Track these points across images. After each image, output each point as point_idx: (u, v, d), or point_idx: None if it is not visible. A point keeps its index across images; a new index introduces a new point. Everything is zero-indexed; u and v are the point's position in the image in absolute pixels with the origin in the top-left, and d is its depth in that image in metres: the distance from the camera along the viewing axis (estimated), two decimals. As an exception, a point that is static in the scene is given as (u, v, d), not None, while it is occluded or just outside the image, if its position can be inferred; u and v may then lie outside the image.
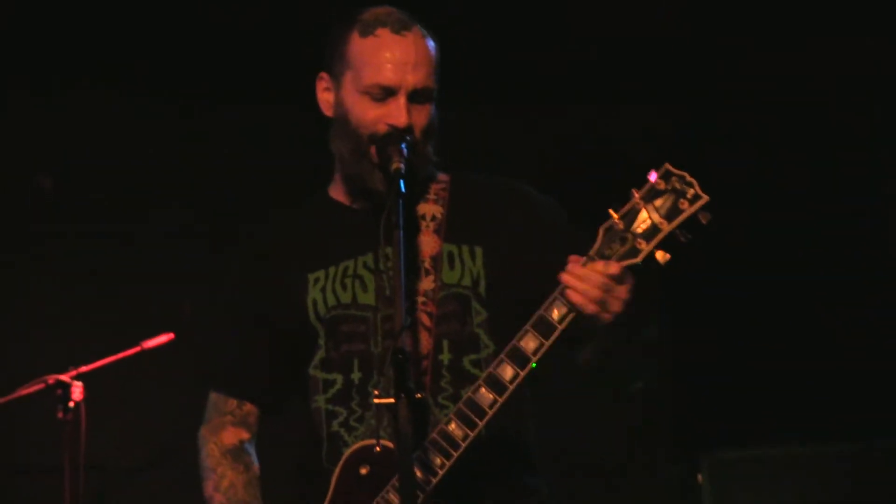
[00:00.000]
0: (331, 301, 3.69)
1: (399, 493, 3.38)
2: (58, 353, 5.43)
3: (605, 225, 3.36)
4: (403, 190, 3.45)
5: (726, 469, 6.23)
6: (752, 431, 6.47)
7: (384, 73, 3.59)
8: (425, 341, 3.68)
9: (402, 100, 3.60)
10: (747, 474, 6.19)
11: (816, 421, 6.46)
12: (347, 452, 3.62)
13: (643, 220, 3.38)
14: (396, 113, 3.58)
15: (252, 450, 3.86)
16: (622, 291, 3.37)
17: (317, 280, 3.72)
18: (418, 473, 3.49)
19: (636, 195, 3.35)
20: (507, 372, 3.45)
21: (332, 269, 3.71)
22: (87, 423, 5.14)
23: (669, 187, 3.38)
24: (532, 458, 3.79)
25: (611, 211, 3.37)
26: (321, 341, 3.69)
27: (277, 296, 3.76)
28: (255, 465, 3.85)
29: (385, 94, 3.60)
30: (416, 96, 3.60)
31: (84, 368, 5.17)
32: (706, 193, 3.35)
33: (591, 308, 3.36)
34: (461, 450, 3.47)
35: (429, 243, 3.75)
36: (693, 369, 6.70)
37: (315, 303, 3.70)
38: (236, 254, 3.98)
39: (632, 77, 7.15)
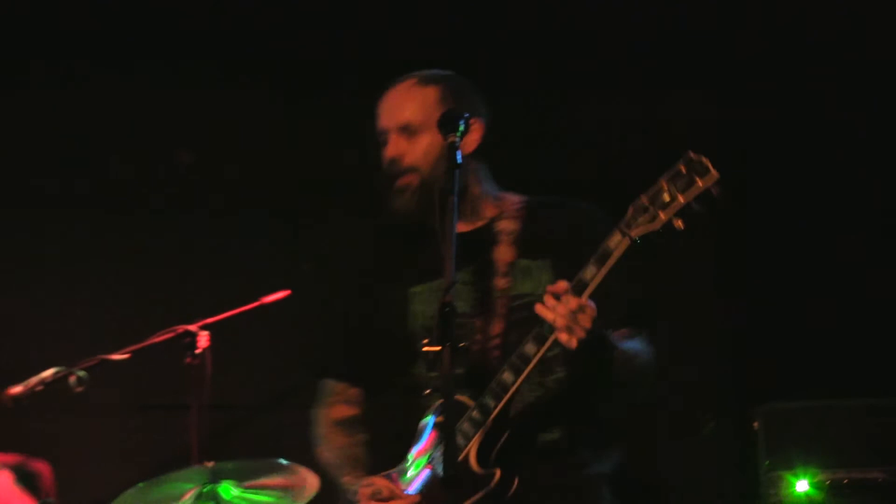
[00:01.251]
0: (430, 312, 3.97)
1: (442, 427, 3.60)
2: (187, 305, 5.49)
3: (634, 203, 3.61)
4: (459, 161, 3.66)
5: (781, 419, 6.16)
6: (807, 384, 6.42)
7: (379, 123, 4.04)
8: (498, 326, 3.95)
9: (392, 136, 4.03)
10: (800, 424, 6.12)
11: (870, 374, 6.42)
12: (430, 409, 3.99)
13: (664, 197, 3.59)
14: (390, 148, 4.04)
15: (361, 423, 4.24)
16: (585, 320, 3.60)
17: (418, 294, 4.05)
18: (476, 414, 3.82)
19: (663, 180, 3.59)
20: (531, 348, 3.76)
21: (430, 284, 4.00)
22: (211, 367, 5.10)
23: (690, 170, 3.57)
24: (594, 409, 4.03)
25: (642, 196, 3.63)
26: (419, 345, 4.03)
27: (383, 307, 4.11)
28: (363, 434, 4.21)
29: (381, 137, 4.04)
30: (403, 131, 4.01)
31: (209, 320, 5.09)
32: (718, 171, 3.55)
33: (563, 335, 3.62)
34: (509, 393, 3.75)
35: (506, 252, 4.01)
36: (750, 323, 6.70)
37: (416, 313, 4.04)
38: (345, 266, 4.42)
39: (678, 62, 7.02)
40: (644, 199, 3.61)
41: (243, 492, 4.80)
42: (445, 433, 3.44)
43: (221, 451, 4.88)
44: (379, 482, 4.01)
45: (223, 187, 6.85)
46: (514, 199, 4.09)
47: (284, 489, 4.68)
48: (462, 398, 3.83)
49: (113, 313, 6.44)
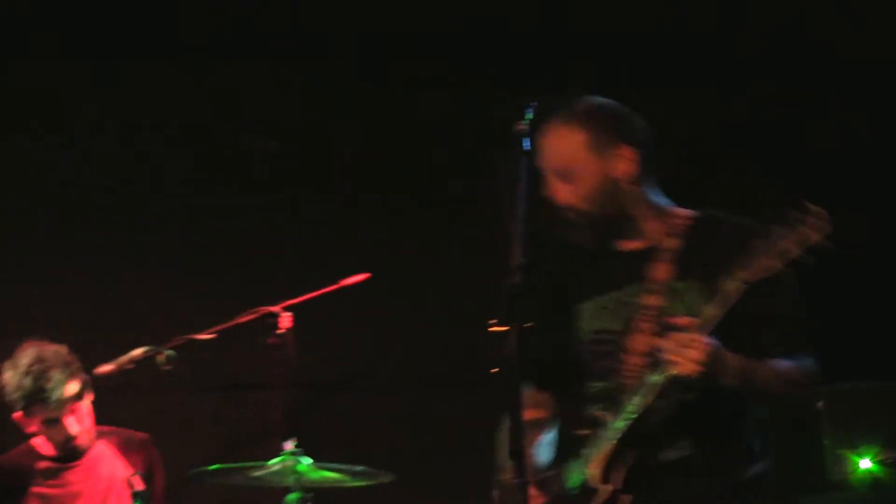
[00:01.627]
0: (593, 327, 3.97)
1: (511, 422, 3.45)
2: (269, 288, 5.44)
3: (749, 248, 3.64)
4: (528, 147, 3.65)
5: (845, 399, 6.16)
6: (870, 366, 6.34)
7: (541, 162, 3.94)
8: (643, 344, 3.84)
9: (553, 179, 3.94)
10: (863, 405, 6.17)
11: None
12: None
13: (781, 245, 3.61)
14: (556, 190, 3.94)
15: (538, 426, 4.11)
16: (695, 355, 3.61)
17: (584, 310, 4.01)
18: (605, 431, 3.79)
19: (777, 226, 3.62)
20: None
21: (593, 302, 3.99)
22: (293, 347, 5.12)
23: (803, 219, 3.59)
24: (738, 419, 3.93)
25: (754, 239, 3.65)
26: (587, 358, 3.99)
27: (561, 321, 4.05)
28: (535, 436, 4.08)
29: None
30: (559, 175, 3.93)
31: (292, 301, 5.16)
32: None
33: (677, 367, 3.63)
34: (636, 416, 3.74)
35: (663, 271, 3.89)
36: (816, 305, 6.58)
37: (580, 330, 4.00)
38: (540, 282, 4.13)
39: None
40: (759, 244, 3.65)
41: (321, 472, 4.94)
42: (511, 420, 3.44)
43: (303, 428, 4.97)
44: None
45: (307, 172, 6.84)
46: (683, 215, 4.01)
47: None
48: (598, 413, 3.86)
49: (200, 295, 6.48)
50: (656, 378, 3.71)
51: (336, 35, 6.85)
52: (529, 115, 3.70)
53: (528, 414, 3.94)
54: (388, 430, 4.31)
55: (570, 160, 3.89)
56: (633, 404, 3.75)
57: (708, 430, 3.84)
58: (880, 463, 6.05)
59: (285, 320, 5.12)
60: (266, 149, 6.83)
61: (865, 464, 6.06)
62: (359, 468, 4.88)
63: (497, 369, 3.59)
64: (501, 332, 3.52)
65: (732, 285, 3.63)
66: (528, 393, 4.04)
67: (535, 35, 6.85)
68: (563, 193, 3.91)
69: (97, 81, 6.78)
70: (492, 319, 3.68)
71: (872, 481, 6.06)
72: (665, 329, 3.79)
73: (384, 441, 4.54)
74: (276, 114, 6.85)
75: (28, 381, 5.42)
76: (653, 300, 3.88)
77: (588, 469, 3.83)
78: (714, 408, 3.82)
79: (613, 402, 3.85)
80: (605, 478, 3.80)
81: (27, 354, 5.49)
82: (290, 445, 4.89)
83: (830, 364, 6.32)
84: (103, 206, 6.73)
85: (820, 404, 6.13)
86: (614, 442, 3.78)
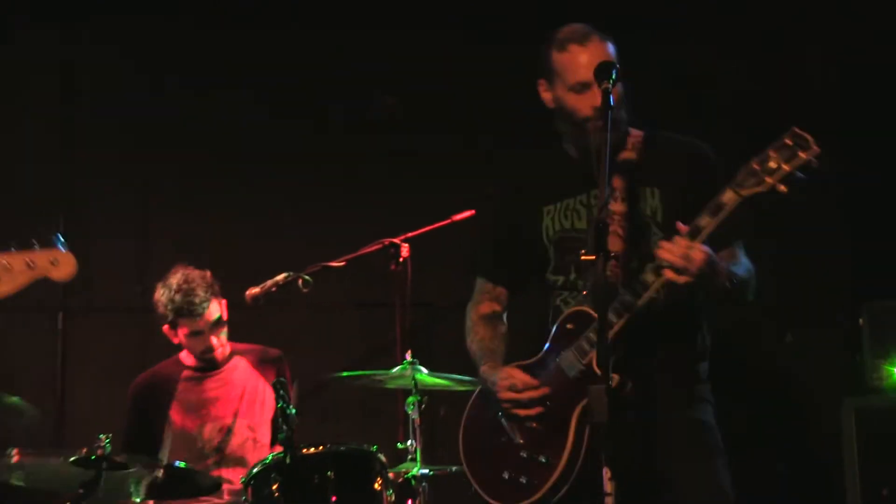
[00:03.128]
0: (557, 227, 3.95)
1: (598, 326, 3.54)
2: (392, 222, 5.55)
3: (745, 166, 3.58)
4: (612, 103, 3.65)
5: (883, 316, 6.05)
6: None
7: (580, 74, 3.81)
8: (618, 245, 3.83)
9: (595, 89, 3.77)
10: None
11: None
12: (562, 316, 3.87)
13: (771, 164, 3.55)
14: (594, 99, 3.77)
15: (502, 318, 4.15)
16: (697, 259, 3.59)
17: (548, 212, 3.97)
18: (615, 311, 3.71)
19: (771, 149, 3.56)
20: (650, 277, 3.66)
21: (558, 205, 3.95)
22: (411, 273, 5.27)
23: (795, 143, 3.54)
24: (698, 328, 3.95)
25: (753, 161, 3.58)
26: (551, 255, 3.96)
27: (523, 219, 4.02)
28: (503, 327, 4.13)
29: (583, 87, 3.81)
30: (601, 84, 3.74)
31: (410, 234, 5.32)
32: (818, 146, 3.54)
33: (670, 274, 3.61)
34: (632, 312, 3.68)
35: (623, 180, 3.90)
36: (860, 229, 6.50)
37: (546, 228, 3.97)
38: (500, 185, 4.21)
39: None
40: (754, 164, 3.59)
41: (434, 378, 5.11)
42: (599, 333, 3.50)
43: (420, 341, 5.22)
44: (516, 374, 3.88)
45: (426, 120, 6.77)
46: (636, 133, 3.98)
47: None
48: (587, 309, 3.81)
49: (333, 228, 6.50)
50: (653, 280, 3.69)
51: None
52: (613, 77, 3.70)
53: (487, 307, 4.13)
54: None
55: (610, 63, 3.81)
56: (630, 303, 3.71)
57: (677, 331, 3.88)
58: (912, 371, 5.94)
59: (405, 250, 5.28)
60: (386, 105, 6.79)
61: None
62: (466, 378, 4.91)
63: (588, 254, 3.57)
64: (590, 259, 3.51)
65: (729, 199, 3.61)
66: (487, 286, 4.16)
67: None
68: (601, 99, 3.76)
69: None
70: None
71: None
72: (633, 227, 3.86)
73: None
74: (401, 60, 6.77)
75: (178, 297, 5.54)
76: (617, 206, 3.87)
77: (587, 359, 3.77)
78: (682, 312, 3.86)
79: (577, 293, 3.89)
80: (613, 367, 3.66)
81: (177, 276, 5.61)
82: (408, 356, 5.06)
83: (869, 284, 6.32)
84: (253, 156, 6.78)
85: (861, 320, 6.09)
86: (610, 338, 3.66)
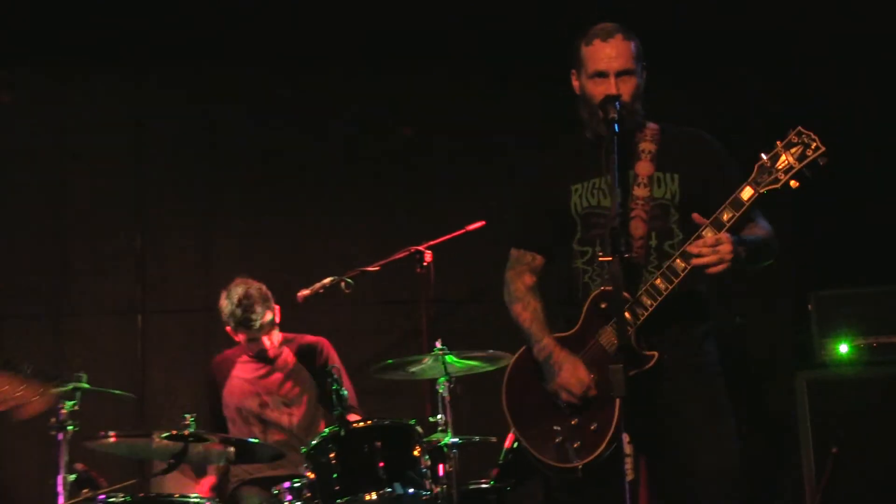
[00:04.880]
0: (584, 204, 3.87)
1: (615, 319, 3.54)
2: (417, 232, 5.53)
3: (758, 163, 3.58)
4: (617, 130, 3.64)
5: (829, 302, 6.07)
6: (852, 273, 6.27)
7: (599, 65, 3.78)
8: (641, 230, 3.79)
9: (612, 79, 3.76)
10: (843, 305, 6.03)
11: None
12: (594, 293, 3.78)
13: (783, 161, 3.55)
14: (608, 88, 3.75)
15: (539, 290, 3.99)
16: (725, 250, 3.56)
17: (576, 189, 3.89)
18: (632, 311, 3.66)
19: (779, 145, 3.57)
20: (679, 263, 3.65)
21: (585, 183, 3.88)
22: (434, 275, 5.28)
23: (801, 141, 3.55)
24: (707, 308, 3.89)
25: (762, 154, 3.58)
26: (578, 227, 3.87)
27: (554, 195, 3.91)
28: (542, 300, 3.98)
29: (600, 76, 3.77)
30: (620, 75, 3.76)
31: (432, 242, 5.33)
32: (825, 146, 3.55)
33: (706, 264, 3.57)
34: (663, 297, 3.66)
35: (645, 168, 3.84)
36: (807, 220, 6.39)
37: (575, 204, 3.88)
38: (537, 166, 4.08)
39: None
40: (766, 161, 3.57)
41: (460, 359, 5.07)
42: (617, 323, 3.48)
43: (442, 333, 5.08)
44: (580, 372, 3.73)
45: (444, 146, 6.76)
46: (652, 126, 3.90)
47: (488, 359, 4.99)
48: (583, 269, 3.77)
49: (368, 239, 6.48)
50: (684, 268, 3.63)
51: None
52: (617, 107, 3.68)
53: (530, 278, 3.96)
54: (506, 331, 4.32)
55: (631, 62, 3.78)
56: (661, 288, 3.65)
57: (693, 311, 3.84)
58: (854, 348, 5.97)
59: (428, 256, 5.31)
60: (405, 134, 6.77)
61: (843, 348, 6.01)
62: (489, 351, 4.93)
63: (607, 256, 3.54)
64: (606, 260, 3.52)
65: (748, 195, 3.59)
66: (527, 257, 3.98)
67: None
68: (624, 88, 3.76)
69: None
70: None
71: (847, 360, 5.99)
72: (656, 209, 3.79)
73: (502, 339, 4.57)
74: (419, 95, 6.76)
75: (238, 311, 5.57)
76: (640, 191, 3.81)
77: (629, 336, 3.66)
78: (696, 294, 3.83)
79: (598, 264, 3.81)
80: (648, 344, 3.70)
81: (238, 290, 5.62)
82: (438, 343, 5.02)
83: (818, 274, 6.29)
84: (301, 179, 6.76)
85: (810, 306, 6.09)
86: (646, 315, 3.67)
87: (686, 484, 3.75)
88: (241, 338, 5.69)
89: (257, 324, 5.57)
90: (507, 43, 6.64)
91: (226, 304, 5.64)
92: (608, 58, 3.78)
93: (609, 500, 3.50)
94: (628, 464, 3.34)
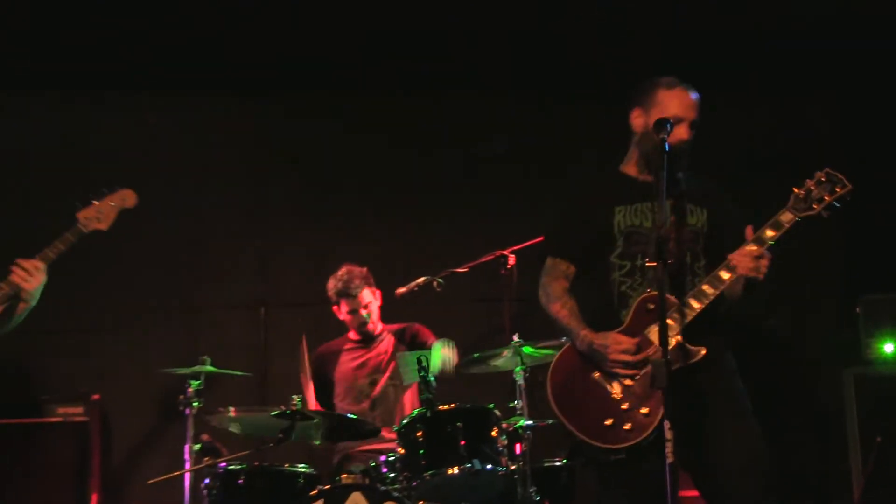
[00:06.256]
0: (627, 223, 3.91)
1: (658, 323, 3.53)
2: (501, 237, 5.47)
3: (794, 193, 3.71)
4: (667, 149, 3.69)
5: (876, 305, 6.08)
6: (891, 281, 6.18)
7: (679, 110, 3.83)
8: (678, 251, 3.87)
9: (685, 125, 3.84)
10: (886, 309, 6.04)
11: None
12: (643, 295, 3.80)
13: (816, 193, 3.71)
14: (684, 132, 3.83)
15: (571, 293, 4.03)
16: (763, 264, 3.69)
17: (619, 210, 3.93)
18: (681, 312, 3.72)
19: (810, 182, 3.71)
20: (725, 274, 3.74)
21: (629, 206, 3.93)
22: (516, 276, 5.26)
23: (830, 179, 3.72)
24: (726, 322, 3.90)
25: (794, 189, 3.72)
26: (619, 243, 3.91)
27: (597, 214, 3.95)
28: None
29: (677, 121, 3.82)
30: (692, 124, 3.86)
31: (515, 247, 5.32)
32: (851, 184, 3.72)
33: (745, 271, 3.68)
34: (710, 300, 3.72)
35: (678, 197, 3.92)
36: (858, 225, 6.35)
37: (618, 223, 3.92)
38: (580, 189, 4.12)
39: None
40: (800, 193, 3.71)
41: (536, 349, 5.09)
42: (660, 321, 3.48)
43: (522, 328, 5.07)
44: (624, 341, 3.75)
45: (528, 158, 6.72)
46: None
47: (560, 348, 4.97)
48: (668, 295, 3.69)
49: (458, 243, 6.39)
50: (727, 276, 3.71)
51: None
52: (669, 130, 3.73)
53: (564, 283, 3.98)
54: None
55: (698, 113, 3.86)
56: (708, 293, 3.71)
57: (723, 315, 3.86)
58: (897, 347, 6.08)
59: (511, 259, 5.33)
60: (496, 146, 6.77)
61: (888, 348, 6.01)
62: (562, 339, 4.53)
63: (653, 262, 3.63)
64: (652, 266, 3.62)
65: (788, 219, 3.70)
66: (562, 265, 3.99)
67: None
68: (688, 135, 3.81)
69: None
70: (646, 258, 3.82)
71: (892, 358, 5.98)
72: (690, 233, 3.86)
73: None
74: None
75: (339, 283, 5.75)
76: (673, 217, 3.87)
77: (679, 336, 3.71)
78: (725, 301, 3.85)
79: (638, 276, 3.84)
80: (693, 343, 3.73)
81: (343, 270, 5.80)
82: (515, 337, 5.04)
83: (864, 278, 6.21)
84: (403, 191, 6.82)
85: (858, 309, 6.08)
86: (694, 315, 3.71)
87: (715, 473, 3.76)
88: (343, 311, 5.78)
89: (355, 291, 5.70)
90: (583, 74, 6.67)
91: (332, 282, 5.80)
92: (688, 106, 3.84)
93: (650, 481, 3.55)
94: (669, 448, 3.36)
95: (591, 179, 4.14)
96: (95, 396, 5.96)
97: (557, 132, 6.78)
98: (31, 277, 4.07)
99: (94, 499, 5.81)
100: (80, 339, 6.41)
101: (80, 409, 5.87)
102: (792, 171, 3.83)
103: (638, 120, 3.94)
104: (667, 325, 3.50)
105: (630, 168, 4.02)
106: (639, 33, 6.24)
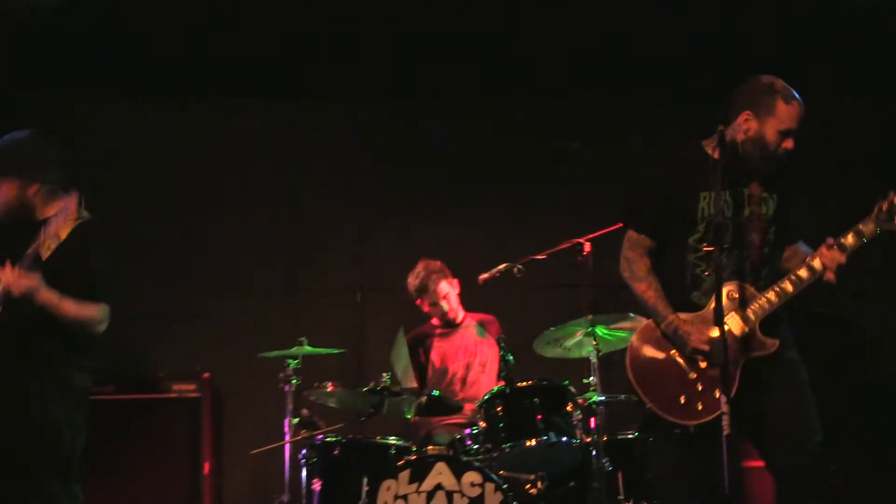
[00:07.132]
0: (710, 210, 3.82)
1: (715, 309, 3.51)
2: (579, 226, 5.37)
3: (878, 205, 3.68)
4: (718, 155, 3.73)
5: None
6: None
7: (792, 124, 3.77)
8: (758, 240, 3.82)
9: (793, 137, 3.79)
10: None
11: None
12: (721, 286, 3.66)
13: (890, 211, 3.68)
14: (791, 143, 3.78)
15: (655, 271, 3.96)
16: (836, 274, 3.70)
17: (704, 196, 3.84)
18: (762, 302, 3.72)
19: (893, 196, 3.67)
20: (805, 274, 3.75)
21: (711, 193, 3.81)
22: (592, 262, 5.18)
23: None
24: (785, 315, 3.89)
25: (880, 200, 3.69)
26: (700, 227, 3.83)
27: (682, 195, 3.85)
28: None
29: (789, 133, 3.77)
30: (795, 135, 3.79)
31: (591, 235, 5.24)
32: None
33: (831, 276, 3.70)
34: (788, 297, 3.73)
35: (756, 188, 3.85)
36: None
37: (702, 209, 3.84)
38: (666, 167, 3.93)
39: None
40: (884, 206, 3.68)
41: (609, 331, 5.10)
42: (716, 310, 3.48)
43: (598, 309, 5.06)
44: (706, 334, 3.72)
45: (603, 155, 6.72)
46: None
47: (631, 329, 4.82)
48: (748, 286, 3.73)
49: (538, 232, 6.15)
50: (806, 275, 3.72)
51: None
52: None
53: (648, 261, 3.89)
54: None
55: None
56: (787, 290, 3.72)
57: (784, 314, 3.86)
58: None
59: (587, 246, 5.28)
60: (570, 146, 6.84)
61: None
62: (630, 314, 4.80)
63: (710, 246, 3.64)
64: (709, 250, 3.64)
65: (869, 231, 3.69)
66: (645, 241, 3.90)
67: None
68: (792, 144, 3.75)
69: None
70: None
71: None
72: (763, 221, 3.80)
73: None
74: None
75: (417, 283, 5.85)
76: (756, 209, 3.82)
77: (755, 324, 3.71)
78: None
79: (712, 261, 3.74)
80: (770, 334, 3.76)
81: (419, 267, 5.89)
82: (589, 317, 5.02)
83: None
84: (484, 182, 6.86)
85: None
86: (771, 309, 3.72)
87: (773, 442, 3.77)
88: (425, 305, 5.88)
89: (431, 287, 5.79)
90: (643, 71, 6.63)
91: (411, 279, 5.89)
92: (799, 119, 3.79)
93: (712, 452, 3.53)
94: (725, 420, 3.38)
95: (679, 158, 3.97)
96: (206, 375, 6.14)
97: (633, 128, 6.73)
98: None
99: (207, 466, 6.02)
100: (193, 324, 6.59)
101: (193, 386, 6.06)
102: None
103: (748, 123, 3.81)
104: (722, 305, 3.51)
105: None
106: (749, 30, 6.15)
